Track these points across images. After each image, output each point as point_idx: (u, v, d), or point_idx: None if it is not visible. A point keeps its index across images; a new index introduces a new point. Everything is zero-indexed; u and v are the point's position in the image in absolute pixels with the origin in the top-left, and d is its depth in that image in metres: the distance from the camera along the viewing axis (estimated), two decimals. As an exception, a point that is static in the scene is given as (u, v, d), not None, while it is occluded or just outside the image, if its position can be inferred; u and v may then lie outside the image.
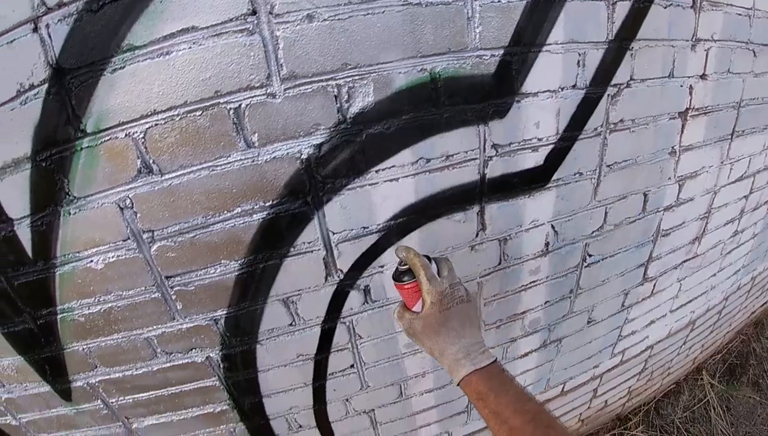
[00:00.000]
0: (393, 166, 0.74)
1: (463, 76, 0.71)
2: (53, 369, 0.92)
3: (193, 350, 0.87)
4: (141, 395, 0.95)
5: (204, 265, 0.77)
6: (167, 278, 0.78)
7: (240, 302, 0.82)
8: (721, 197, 1.23)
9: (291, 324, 0.86)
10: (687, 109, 0.97)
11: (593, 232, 1.00)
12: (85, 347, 0.87)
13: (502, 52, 0.72)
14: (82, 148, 0.67)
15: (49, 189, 0.70)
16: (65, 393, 0.97)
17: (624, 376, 1.58)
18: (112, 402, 0.97)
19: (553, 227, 0.93)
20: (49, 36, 0.61)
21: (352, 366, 0.97)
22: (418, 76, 0.69)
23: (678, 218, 1.15)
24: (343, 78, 0.66)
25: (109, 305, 0.80)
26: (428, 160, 0.75)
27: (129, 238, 0.73)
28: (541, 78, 0.77)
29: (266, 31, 0.62)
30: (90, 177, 0.69)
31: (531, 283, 1.00)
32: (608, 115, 0.87)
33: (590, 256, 1.03)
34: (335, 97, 0.67)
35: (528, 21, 0.71)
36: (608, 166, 0.92)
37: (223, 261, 0.77)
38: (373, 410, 1.10)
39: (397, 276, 0.69)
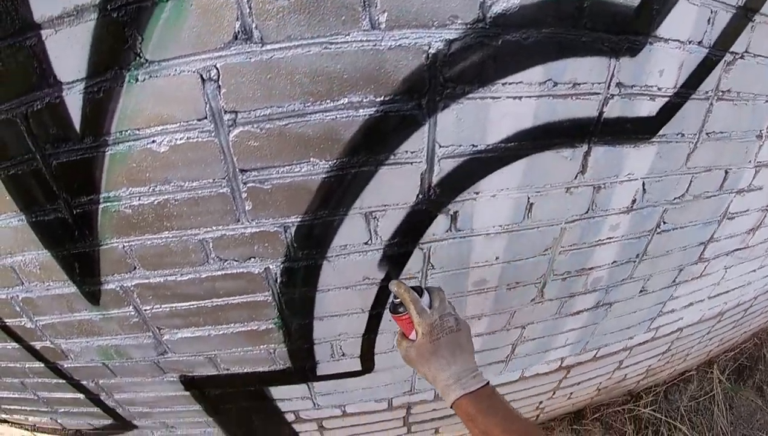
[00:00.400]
0: (521, 82, 0.66)
1: (609, 2, 0.64)
2: (83, 268, 0.82)
3: (252, 259, 0.80)
4: (180, 304, 0.88)
5: (289, 161, 0.68)
6: (242, 171, 0.69)
7: (318, 210, 0.74)
8: None
9: (367, 242, 0.80)
10: None
11: (675, 198, 0.97)
12: (126, 244, 0.77)
13: (650, -15, 0.64)
14: None
15: (116, 47, 0.58)
16: (93, 296, 0.88)
17: (649, 353, 1.62)
18: (145, 310, 0.89)
19: (643, 184, 0.90)
20: None
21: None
22: (567, -11, 0.61)
23: (745, 203, 1.14)
24: (496, -34, 0.57)
25: (166, 196, 0.71)
26: (555, 84, 0.68)
27: (206, 117, 0.63)
28: (674, 25, 0.71)
29: None
30: (171, 36, 0.58)
31: (608, 239, 0.97)
32: (720, 81, 0.83)
33: (665, 223, 1.02)
34: (480, -14, 0.58)
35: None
36: (707, 133, 0.89)
37: (312, 159, 0.68)
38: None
39: (393, 308, 0.75)
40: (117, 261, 0.80)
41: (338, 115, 0.64)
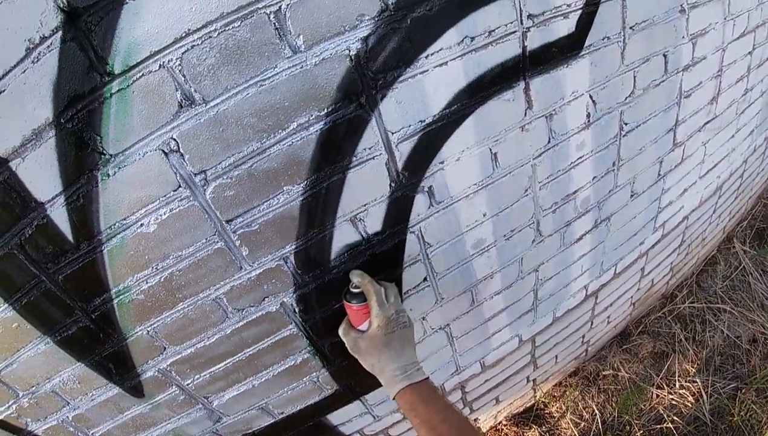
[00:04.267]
0: (441, 49, 0.71)
1: None
2: (119, 366, 0.86)
3: (266, 299, 0.84)
4: (217, 366, 0.91)
5: (266, 196, 0.73)
6: (228, 222, 0.73)
7: (308, 231, 0.78)
8: (729, 54, 1.27)
9: (361, 245, 0.84)
10: None
11: (626, 98, 1.01)
12: (149, 328, 0.81)
13: None
14: (111, 94, 0.61)
15: (80, 154, 0.63)
16: (136, 389, 0.91)
17: (666, 251, 1.64)
18: (188, 384, 0.92)
19: (591, 97, 0.94)
20: None
21: (425, 280, 0.96)
22: (452, -54, 0.66)
23: (695, 77, 1.18)
24: (380, -43, 0.63)
25: (169, 270, 0.75)
26: (473, 39, 0.73)
27: (180, 186, 0.68)
28: None
29: None
30: (125, 126, 0.63)
31: (578, 159, 1.01)
32: (622, -28, 0.87)
33: (626, 124, 1.05)
34: (375, -20, 0.64)
35: None
36: (630, 28, 0.92)
37: (285, 188, 0.73)
38: (448, 324, 1.10)
39: (349, 298, 0.78)
40: (146, 348, 0.84)
41: (293, 141, 0.69)
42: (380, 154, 0.75)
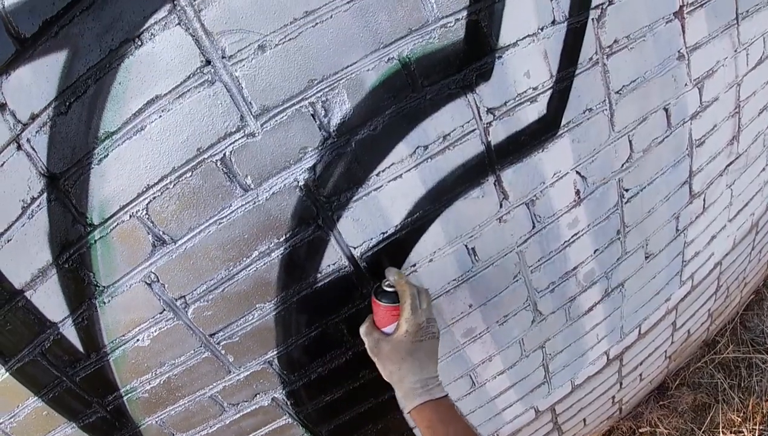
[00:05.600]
0: (392, 165, 0.71)
1: (433, 52, 0.67)
2: (136, 448, 0.96)
3: (258, 396, 0.88)
4: (223, 451, 0.98)
5: (241, 314, 0.77)
6: (211, 335, 0.79)
7: (287, 339, 0.81)
8: (747, 87, 1.12)
9: (342, 347, 0.86)
10: (681, 6, 0.88)
11: (623, 165, 0.93)
12: (157, 419, 0.90)
13: (465, 13, 0.67)
14: (95, 241, 0.69)
15: (79, 286, 0.72)
16: (153, 467, 1.01)
17: (700, 300, 1.47)
18: (196, 466, 1.00)
19: (578, 172, 0.87)
20: (33, 149, 0.63)
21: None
22: (388, 66, 0.65)
23: (707, 122, 1.05)
24: (313, 95, 0.63)
25: (167, 375, 0.82)
26: (426, 147, 0.72)
27: (164, 309, 0.75)
28: (515, 25, 0.71)
29: (225, 75, 0.60)
30: (111, 264, 0.71)
31: (573, 236, 0.94)
32: (599, 40, 0.80)
33: (627, 190, 0.96)
34: (312, 115, 0.65)
35: (481, -29, 0.66)
36: (617, 92, 0.85)
37: (257, 305, 0.77)
38: (449, 406, 1.08)
39: (379, 296, 0.71)
40: (158, 434, 0.93)
41: (257, 266, 0.73)
42: (345, 267, 0.76)
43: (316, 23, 0.61)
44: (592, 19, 0.78)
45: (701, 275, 1.37)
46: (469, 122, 0.73)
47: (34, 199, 0.66)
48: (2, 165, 0.64)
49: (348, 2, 0.61)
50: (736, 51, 1.03)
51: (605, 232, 0.98)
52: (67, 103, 0.61)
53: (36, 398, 0.85)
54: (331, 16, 0.61)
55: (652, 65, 0.88)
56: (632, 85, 0.86)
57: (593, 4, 0.77)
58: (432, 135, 0.72)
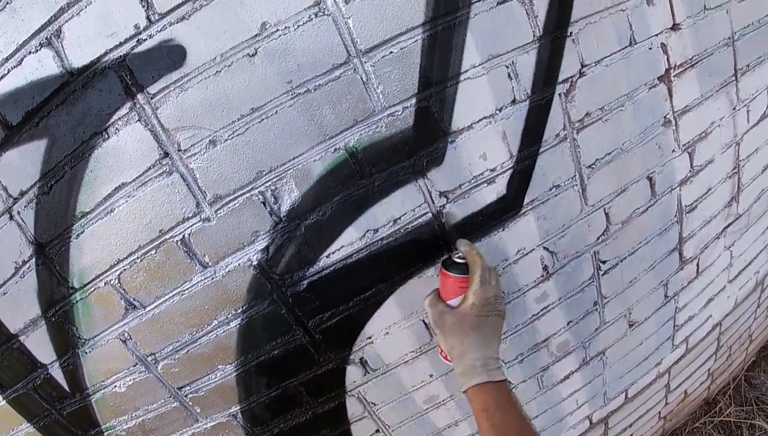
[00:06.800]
0: (342, 247, 0.73)
1: (381, 140, 0.69)
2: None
3: (225, 445, 0.93)
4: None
5: (205, 372, 0.82)
6: (179, 388, 0.84)
7: (248, 397, 0.85)
8: (748, 145, 1.04)
9: (302, 406, 0.88)
10: (667, 70, 0.84)
11: (598, 237, 0.89)
12: (136, 455, 0.97)
13: (414, 101, 0.68)
14: (77, 302, 0.76)
15: (64, 337, 0.80)
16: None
17: (697, 362, 1.38)
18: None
19: (546, 248, 0.85)
20: (23, 220, 0.71)
21: (378, 431, 0.96)
22: (335, 156, 0.68)
23: (700, 187, 0.98)
24: (262, 185, 0.67)
25: (141, 418, 0.89)
26: (376, 231, 0.73)
27: (137, 363, 0.81)
28: (469, 108, 0.71)
29: (181, 166, 0.65)
30: (90, 322, 0.78)
31: (542, 310, 0.91)
32: (568, 114, 0.77)
33: (604, 262, 0.92)
34: (263, 203, 0.68)
35: (431, 58, 0.67)
36: (589, 166, 0.82)
37: (219, 367, 0.81)
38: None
39: (449, 266, 0.69)
40: (134, 466, 1.00)
41: (218, 333, 0.78)
42: (300, 337, 0.79)
43: (262, 119, 0.64)
44: (559, 94, 0.76)
45: (698, 338, 1.28)
46: (420, 206, 0.74)
47: (24, 262, 0.74)
48: (-1, 231, 0.72)
49: (292, 98, 0.64)
50: (734, 109, 0.97)
51: (580, 304, 0.95)
52: (49, 185, 0.68)
53: (29, 424, 0.93)
54: (276, 112, 0.64)
55: (631, 135, 0.84)
56: (607, 157, 0.83)
57: (560, 79, 0.76)
58: (382, 219, 0.73)
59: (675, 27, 0.83)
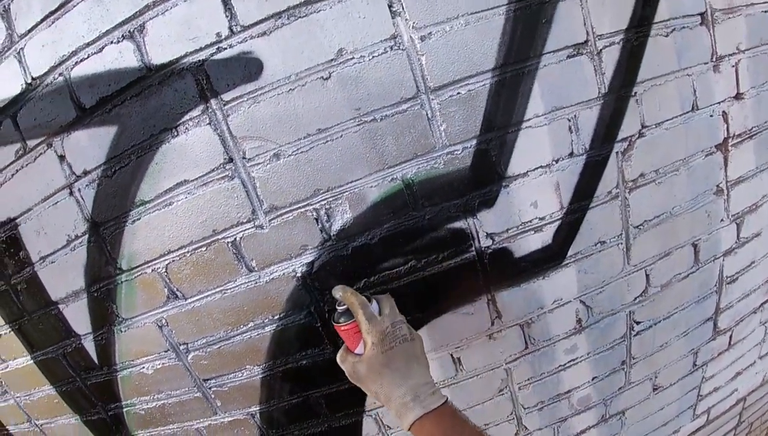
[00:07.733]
0: (385, 272, 0.74)
1: (437, 176, 0.70)
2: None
3: (239, 439, 0.95)
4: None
5: (232, 370, 0.84)
6: (204, 380, 0.87)
7: (269, 400, 0.87)
8: None
9: (318, 418, 0.90)
10: (726, 139, 0.83)
11: (636, 298, 0.88)
12: (148, 434, 0.99)
13: (475, 142, 0.69)
14: (122, 282, 0.79)
15: (103, 313, 0.84)
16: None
17: (717, 434, 1.33)
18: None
19: (582, 302, 0.84)
20: (82, 198, 0.74)
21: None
22: (391, 185, 0.69)
23: (744, 259, 0.96)
24: (318, 202, 0.69)
25: (162, 402, 0.92)
26: (419, 262, 0.74)
27: (169, 349, 0.84)
28: (527, 156, 0.72)
29: (243, 174, 0.68)
30: (131, 303, 0.81)
31: (570, 362, 0.90)
32: (623, 173, 0.77)
33: (638, 323, 0.91)
34: (315, 219, 0.70)
35: (496, 103, 0.68)
36: (636, 227, 0.81)
37: (247, 366, 0.83)
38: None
39: (336, 318, 0.67)
40: (148, 448, 1.03)
41: (252, 335, 0.80)
42: (330, 352, 0.80)
43: (327, 140, 0.66)
44: (617, 152, 0.76)
45: (720, 410, 1.24)
46: (466, 244, 0.74)
47: (77, 237, 0.78)
48: (56, 204, 0.76)
49: (358, 124, 0.66)
50: (787, 184, 0.94)
51: (608, 361, 0.93)
52: (113, 170, 0.71)
53: (51, 387, 0.98)
54: (341, 136, 0.66)
55: (682, 201, 0.83)
56: (656, 220, 0.82)
57: (619, 137, 0.75)
58: (427, 251, 0.74)
59: (738, 96, 0.82)
